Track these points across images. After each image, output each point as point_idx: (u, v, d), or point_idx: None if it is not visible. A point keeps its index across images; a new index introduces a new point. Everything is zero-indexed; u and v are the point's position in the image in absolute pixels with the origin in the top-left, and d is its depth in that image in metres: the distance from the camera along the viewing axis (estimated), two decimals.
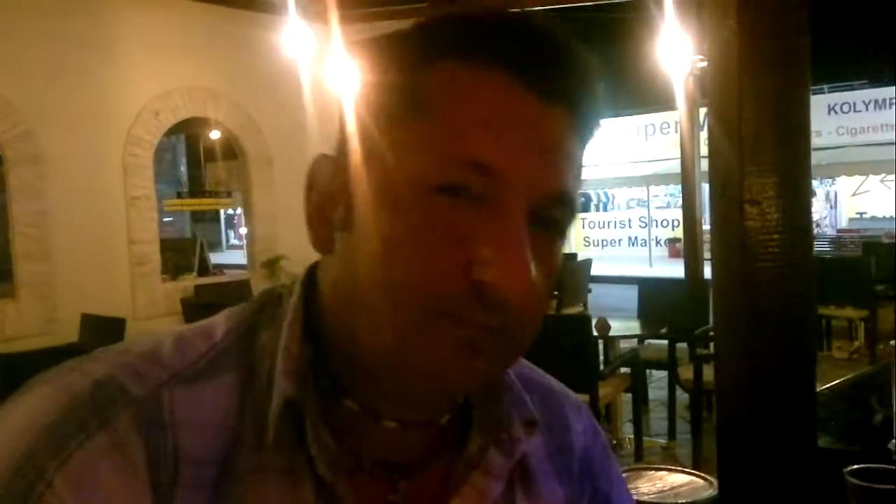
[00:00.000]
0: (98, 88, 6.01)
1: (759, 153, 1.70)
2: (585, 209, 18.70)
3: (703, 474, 1.99)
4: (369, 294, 0.51)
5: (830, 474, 1.20)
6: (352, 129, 0.54)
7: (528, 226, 0.50)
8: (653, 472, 2.07)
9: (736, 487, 1.71)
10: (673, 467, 2.09)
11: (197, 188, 7.52)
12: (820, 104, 15.57)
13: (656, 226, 17.66)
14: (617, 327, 4.84)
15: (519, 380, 0.64)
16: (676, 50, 5.79)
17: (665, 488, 1.94)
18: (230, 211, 14.98)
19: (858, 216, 15.54)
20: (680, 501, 1.82)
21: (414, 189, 0.49)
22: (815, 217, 14.59)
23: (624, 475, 1.92)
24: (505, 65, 0.50)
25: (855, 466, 1.12)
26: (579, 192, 0.53)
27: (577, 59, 0.52)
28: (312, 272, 0.60)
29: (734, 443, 1.74)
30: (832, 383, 2.26)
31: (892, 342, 1.65)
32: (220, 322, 0.59)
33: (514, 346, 0.54)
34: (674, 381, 4.72)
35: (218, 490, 0.52)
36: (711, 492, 1.92)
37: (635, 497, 2.00)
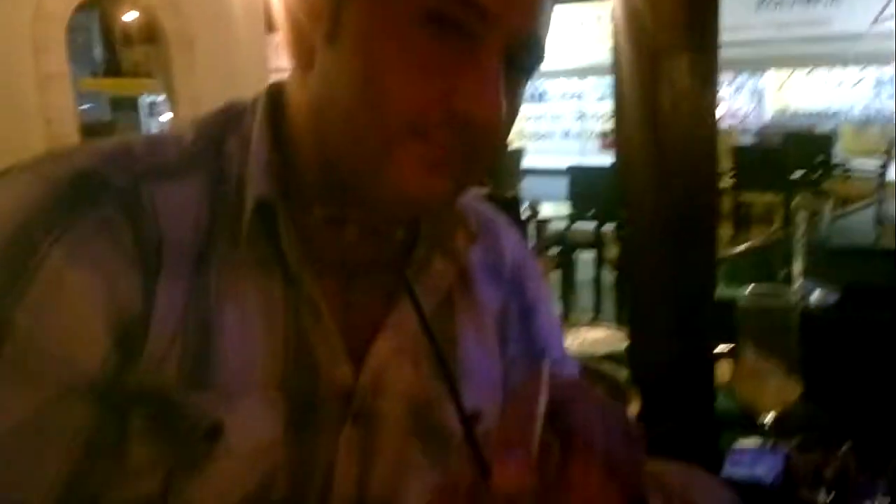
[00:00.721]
0: None
1: (666, 33, 1.72)
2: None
3: (621, 329, 2.10)
4: (350, 109, 0.55)
5: (727, 320, 1.25)
6: None
7: (501, 64, 0.54)
8: (575, 328, 2.17)
9: (645, 337, 1.82)
10: (594, 323, 2.19)
11: (114, 71, 7.14)
12: None
13: (590, 119, 17.75)
14: (547, 211, 4.94)
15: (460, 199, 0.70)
16: None
17: (585, 342, 2.04)
18: (150, 99, 14.39)
19: (783, 110, 15.93)
20: (598, 351, 1.92)
21: (402, 15, 0.52)
22: (740, 111, 14.88)
23: None
24: None
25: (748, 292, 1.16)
26: (545, 42, 0.58)
27: None
28: (273, 89, 0.64)
29: (643, 296, 1.84)
30: (740, 248, 2.37)
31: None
32: (187, 129, 0.63)
33: (474, 171, 0.60)
34: (600, 260, 4.88)
35: (197, 277, 0.57)
36: (627, 343, 2.02)
37: None
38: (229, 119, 0.64)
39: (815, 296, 1.73)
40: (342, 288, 0.65)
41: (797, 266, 1.83)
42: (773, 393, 1.06)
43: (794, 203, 1.82)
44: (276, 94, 0.64)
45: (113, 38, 8.00)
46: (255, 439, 0.58)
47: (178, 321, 0.56)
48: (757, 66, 15.22)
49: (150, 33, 7.30)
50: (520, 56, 0.56)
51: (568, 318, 4.62)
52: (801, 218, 1.86)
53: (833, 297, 1.73)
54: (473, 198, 0.77)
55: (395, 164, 0.55)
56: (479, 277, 0.75)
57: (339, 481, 0.63)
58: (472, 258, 0.73)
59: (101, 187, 0.55)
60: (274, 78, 0.67)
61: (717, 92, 1.84)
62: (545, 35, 0.57)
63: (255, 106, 0.64)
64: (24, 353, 0.51)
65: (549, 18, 0.58)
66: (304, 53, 0.58)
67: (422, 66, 0.53)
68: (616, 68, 2.11)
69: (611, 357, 1.87)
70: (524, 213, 4.53)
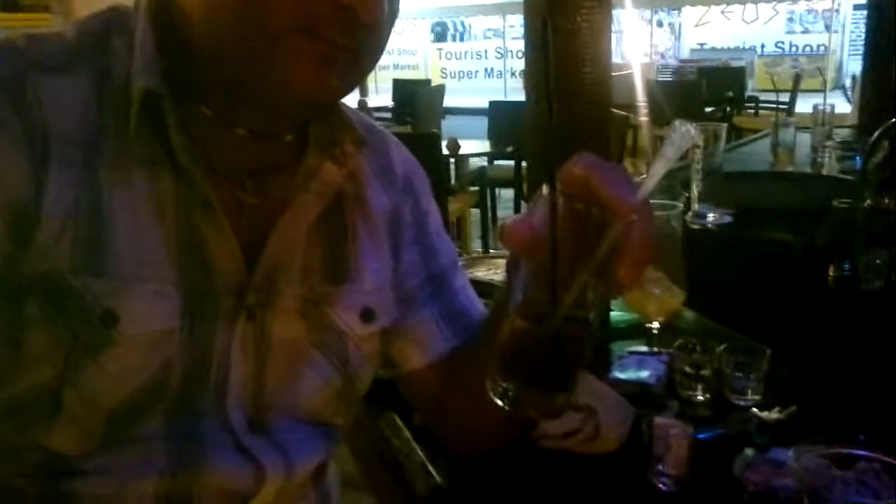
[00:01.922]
0: None
1: None
2: (441, 39, 18.36)
3: None
4: (236, 5, 0.56)
5: None
6: None
7: None
8: (490, 259, 2.21)
9: None
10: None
11: (7, 3, 6.72)
12: None
13: (512, 57, 17.68)
14: (467, 147, 4.95)
15: (348, 114, 0.73)
16: None
17: (499, 270, 2.08)
18: None
19: (700, 47, 16.21)
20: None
21: None
22: (659, 48, 15.04)
23: (463, 263, 2.03)
24: None
25: None
26: None
27: None
28: None
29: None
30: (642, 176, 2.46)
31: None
32: (69, 28, 0.63)
33: (361, 69, 0.62)
34: (520, 197, 4.94)
35: (87, 168, 0.58)
36: None
37: (471, 278, 2.13)
38: (113, 18, 0.64)
39: (710, 217, 1.81)
40: (234, 189, 0.66)
41: (694, 190, 1.91)
42: (659, 303, 1.13)
43: (691, 125, 1.89)
44: None
45: None
46: (150, 328, 0.60)
47: (69, 207, 0.57)
48: (675, 2, 15.40)
49: None
50: None
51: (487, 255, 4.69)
52: (698, 142, 1.93)
53: (727, 219, 1.82)
54: (357, 111, 0.79)
55: (282, 60, 0.57)
56: (370, 184, 0.77)
57: (235, 373, 0.66)
58: (363, 165, 0.76)
59: None
60: None
61: (611, 27, 1.89)
62: None
63: (138, 4, 0.64)
64: None
65: None
66: None
67: None
68: (525, 3, 2.12)
69: None
70: (444, 149, 4.53)
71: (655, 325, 1.18)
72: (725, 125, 1.82)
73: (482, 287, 1.51)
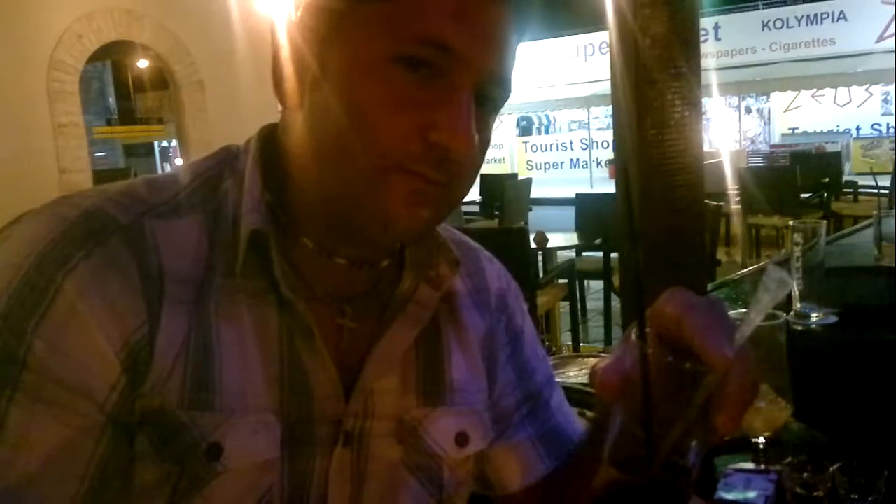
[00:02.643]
0: (14, 12, 5.72)
1: (653, 61, 1.76)
2: (527, 132, 18.72)
3: None
4: (335, 146, 0.60)
5: None
6: (318, 8, 0.61)
7: (472, 100, 0.59)
8: (581, 359, 2.18)
9: None
10: (602, 353, 2.19)
11: (127, 118, 7.31)
12: (754, 21, 15.74)
13: (597, 147, 17.82)
14: (555, 240, 4.96)
15: (442, 233, 0.75)
16: None
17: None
18: (164, 144, 14.59)
19: (791, 131, 15.93)
20: None
21: (380, 58, 0.58)
22: (749, 133, 14.86)
23: (553, 362, 2.01)
24: None
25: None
26: (511, 78, 0.63)
27: None
28: (265, 131, 0.69)
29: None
30: (742, 272, 2.39)
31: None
32: (183, 171, 0.69)
33: (452, 200, 0.64)
34: (609, 289, 4.88)
35: (198, 306, 0.61)
36: None
37: (563, 381, 2.10)
38: (224, 161, 0.69)
39: (814, 317, 1.74)
40: (334, 315, 0.68)
41: (795, 289, 1.84)
42: (764, 417, 1.08)
43: (791, 223, 1.84)
44: (268, 136, 0.69)
45: (125, 86, 8.12)
46: (253, 458, 0.62)
47: (180, 346, 0.60)
48: (763, 87, 15.24)
49: (160, 79, 7.43)
50: (489, 92, 0.61)
51: (579, 349, 4.61)
52: (798, 239, 1.88)
53: (831, 318, 1.74)
54: (452, 230, 0.81)
55: (376, 196, 0.60)
56: (464, 304, 0.78)
57: (332, 499, 0.67)
58: (457, 286, 0.77)
59: (108, 224, 0.59)
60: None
61: (702, 118, 1.89)
62: (510, 72, 0.63)
63: (248, 147, 0.69)
64: (43, 382, 0.54)
65: (514, 57, 0.63)
66: (293, 96, 0.63)
67: (400, 103, 0.58)
68: (613, 97, 2.15)
69: None
70: (532, 243, 4.55)
71: (762, 439, 1.12)
72: (825, 222, 1.77)
73: (576, 395, 1.49)
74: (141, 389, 0.58)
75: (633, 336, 0.50)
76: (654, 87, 1.76)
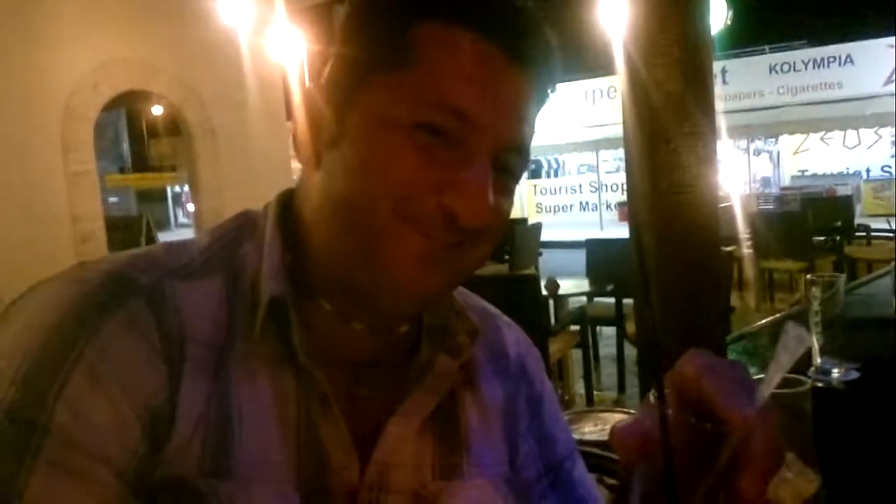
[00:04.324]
0: (30, 60, 5.83)
1: (668, 111, 1.75)
2: (536, 175, 18.81)
3: None
4: (348, 203, 0.60)
5: None
6: (340, 71, 0.63)
7: (489, 167, 0.59)
8: (597, 413, 2.14)
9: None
10: (617, 409, 2.15)
11: (140, 164, 7.42)
12: (761, 65, 15.87)
13: (606, 190, 17.88)
14: (566, 287, 4.93)
15: (459, 299, 0.74)
16: (615, 10, 5.82)
17: (609, 428, 2.01)
18: (177, 189, 14.74)
19: (800, 174, 15.95)
20: None
21: (399, 122, 0.58)
22: (758, 176, 14.86)
23: (568, 418, 1.97)
24: (484, 29, 0.59)
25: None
26: (531, 145, 0.63)
27: (541, 29, 0.62)
28: (283, 196, 0.69)
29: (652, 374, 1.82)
30: (757, 324, 2.35)
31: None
32: (203, 236, 0.68)
33: (466, 266, 0.63)
34: (622, 335, 4.83)
35: (218, 372, 0.60)
36: None
37: (579, 437, 2.06)
38: (243, 224, 0.69)
39: (835, 373, 1.70)
40: (350, 382, 0.67)
41: (815, 343, 1.80)
42: (793, 487, 1.04)
43: (807, 277, 1.81)
44: (286, 199, 0.69)
45: (139, 133, 8.25)
46: None
47: (200, 412, 0.59)
48: (771, 130, 15.30)
49: (174, 127, 7.54)
50: (507, 160, 0.61)
51: (591, 397, 4.54)
52: (815, 292, 1.85)
53: (853, 374, 1.70)
54: (469, 294, 0.80)
55: (388, 257, 0.59)
56: (483, 373, 0.76)
57: None
58: (476, 354, 0.75)
59: (128, 287, 0.59)
60: (296, 166, 0.71)
61: (717, 168, 1.88)
62: (529, 140, 0.63)
63: (266, 211, 0.69)
64: (64, 449, 0.53)
65: (534, 126, 0.64)
66: (312, 156, 0.63)
67: (416, 162, 0.58)
68: (625, 144, 2.15)
69: None
70: (543, 289, 4.52)
71: None
72: (843, 276, 1.74)
73: (593, 458, 1.45)
74: (161, 455, 0.57)
75: (653, 397, 0.49)
76: (669, 146, 1.75)
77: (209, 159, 7.15)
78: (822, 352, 1.80)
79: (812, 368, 1.68)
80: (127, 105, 7.48)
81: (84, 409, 0.54)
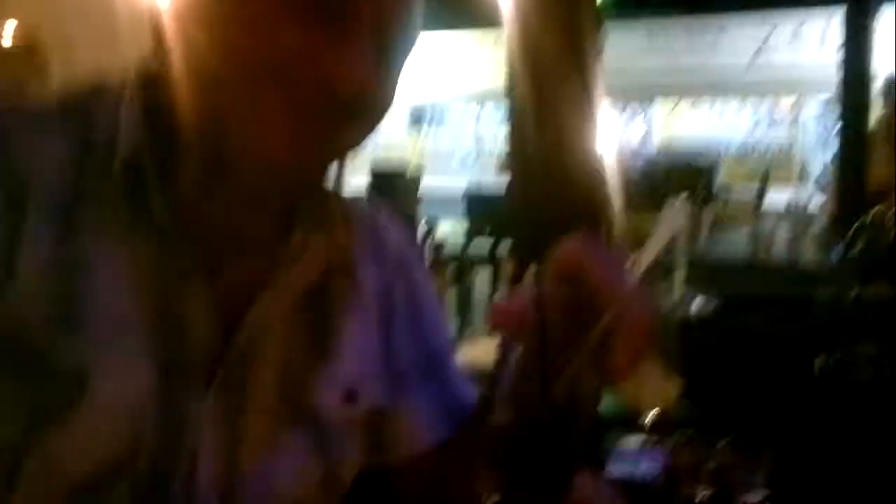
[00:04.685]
0: None
1: (552, 61, 1.77)
2: (418, 123, 18.77)
3: None
4: (219, 53, 0.55)
5: None
6: None
7: (369, 39, 0.56)
8: (470, 340, 2.17)
9: None
10: (490, 336, 2.19)
11: None
12: (639, 31, 16.39)
13: (488, 142, 18.06)
14: (444, 230, 4.98)
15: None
16: None
17: (482, 352, 2.04)
18: None
19: (669, 142, 16.69)
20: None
21: None
22: (630, 142, 15.44)
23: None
24: None
25: None
26: (416, 22, 0.60)
27: None
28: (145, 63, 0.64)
29: None
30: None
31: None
32: (51, 91, 0.65)
33: (342, 140, 0.60)
34: (496, 278, 4.96)
35: (66, 225, 0.57)
36: None
37: None
38: (96, 86, 0.64)
39: (696, 304, 1.78)
40: (219, 261, 0.64)
41: (679, 277, 1.89)
42: (654, 392, 1.08)
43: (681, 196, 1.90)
44: (146, 68, 0.64)
45: None
46: (121, 395, 0.57)
47: (44, 265, 0.56)
48: (645, 95, 15.87)
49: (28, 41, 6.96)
50: (388, 33, 0.58)
51: (464, 334, 4.64)
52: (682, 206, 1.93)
53: (712, 306, 1.80)
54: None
55: (259, 113, 0.56)
56: (360, 260, 0.74)
57: (206, 452, 0.62)
58: (353, 240, 0.73)
59: None
60: None
61: (598, 117, 1.92)
62: (412, 17, 0.60)
63: (126, 74, 0.64)
64: None
65: (417, 4, 0.60)
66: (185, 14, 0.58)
67: (292, 22, 0.54)
68: (509, 94, 2.16)
69: None
70: (421, 231, 4.54)
71: (650, 416, 1.13)
72: (711, 209, 1.83)
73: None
74: (2, 302, 0.54)
75: (533, 274, 0.49)
76: (552, 70, 1.77)
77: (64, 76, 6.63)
78: (685, 285, 1.89)
79: (674, 299, 1.76)
80: None
81: None
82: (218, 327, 0.62)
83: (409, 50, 0.62)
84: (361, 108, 0.59)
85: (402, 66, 0.62)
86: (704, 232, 1.92)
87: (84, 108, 0.62)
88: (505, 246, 4.96)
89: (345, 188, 0.74)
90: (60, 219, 0.58)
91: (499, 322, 0.50)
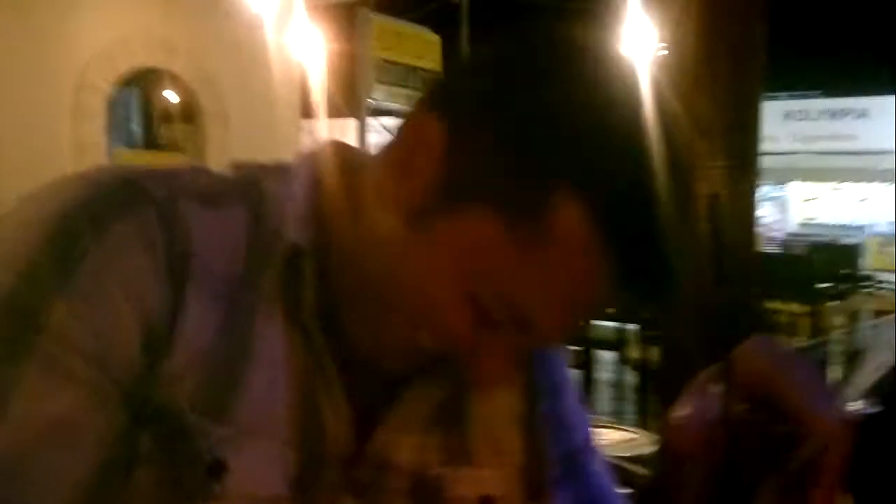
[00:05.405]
0: (50, 28, 5.78)
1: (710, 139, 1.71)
2: None
3: (645, 431, 1.99)
4: (392, 289, 0.57)
5: None
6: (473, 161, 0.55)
7: None
8: (595, 429, 2.07)
9: None
10: (616, 425, 2.09)
11: (151, 145, 7.46)
12: (776, 110, 15.92)
13: None
14: None
15: None
16: (639, 38, 5.80)
17: (607, 443, 1.94)
18: None
19: (808, 221, 15.96)
20: (621, 453, 1.82)
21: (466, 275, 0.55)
22: (765, 220, 14.93)
23: None
24: (618, 256, 0.52)
25: None
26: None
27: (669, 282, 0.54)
28: (333, 155, 0.64)
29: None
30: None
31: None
32: (229, 169, 0.66)
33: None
34: (623, 362, 4.78)
35: (231, 307, 0.57)
36: (653, 448, 1.92)
37: None
38: (273, 169, 0.65)
39: (854, 406, 1.62)
40: (357, 364, 0.62)
41: (834, 375, 1.73)
42: None
43: (827, 312, 1.76)
44: (334, 162, 0.64)
45: (151, 114, 8.27)
46: (257, 490, 0.56)
47: (206, 342, 0.56)
48: (782, 177, 15.32)
49: (187, 112, 7.54)
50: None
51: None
52: (836, 326, 1.79)
53: (876, 408, 1.63)
54: None
55: (385, 330, 0.59)
56: None
57: None
58: None
59: (142, 195, 0.56)
60: None
61: (756, 200, 1.83)
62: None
63: (308, 161, 0.64)
64: (59, 346, 0.51)
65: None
66: (406, 201, 0.56)
67: (466, 316, 0.55)
68: None
69: (635, 460, 1.76)
70: None
71: None
72: (861, 310, 1.69)
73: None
74: (156, 378, 0.53)
75: (712, 385, 0.45)
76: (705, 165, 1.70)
77: (219, 146, 7.10)
78: (842, 384, 1.73)
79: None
80: (142, 85, 7.51)
81: (85, 311, 0.51)
82: (351, 422, 0.61)
83: None
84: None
85: None
86: (860, 324, 1.77)
87: (258, 183, 0.63)
88: (631, 328, 4.79)
89: None
90: (223, 297, 0.57)
91: (677, 440, 0.47)
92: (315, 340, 0.59)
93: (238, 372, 0.57)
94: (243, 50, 6.86)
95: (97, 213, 0.54)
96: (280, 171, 0.65)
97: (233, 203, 0.61)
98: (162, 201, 0.56)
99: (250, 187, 0.62)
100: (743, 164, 1.75)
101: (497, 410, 0.70)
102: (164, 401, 0.54)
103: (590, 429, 0.80)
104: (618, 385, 4.95)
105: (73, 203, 0.54)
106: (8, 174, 5.59)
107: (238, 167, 0.66)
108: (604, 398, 5.24)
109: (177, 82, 7.13)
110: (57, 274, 0.51)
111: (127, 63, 6.32)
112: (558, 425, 0.75)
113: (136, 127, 8.41)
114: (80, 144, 6.01)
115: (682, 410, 0.47)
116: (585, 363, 4.67)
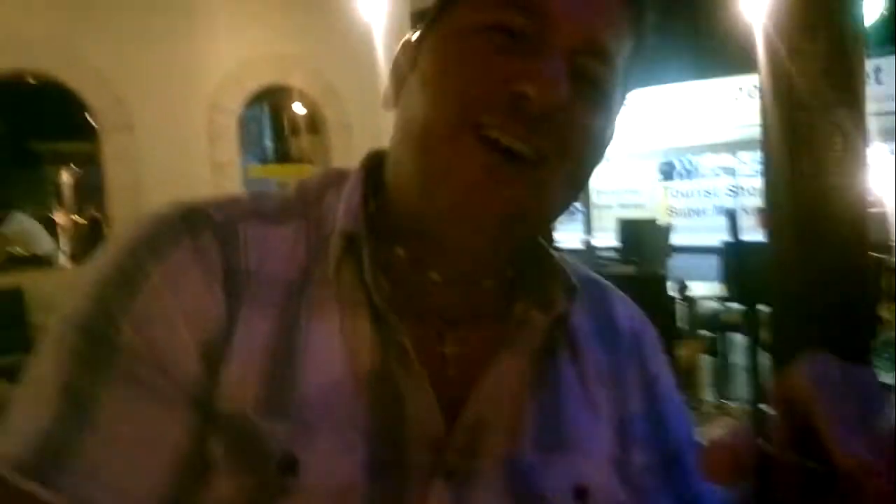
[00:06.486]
0: (183, 54, 6.19)
1: (812, 96, 1.63)
2: (668, 177, 18.19)
3: None
4: (419, 116, 0.58)
5: None
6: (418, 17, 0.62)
7: (568, 70, 0.56)
8: (727, 416, 2.03)
9: None
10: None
11: (282, 159, 7.79)
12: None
13: (745, 194, 17.01)
14: (697, 290, 4.74)
15: (565, 268, 0.68)
16: (758, 4, 5.51)
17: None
18: None
19: None
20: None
21: (469, 27, 0.57)
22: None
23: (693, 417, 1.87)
24: None
25: None
26: (618, 54, 0.59)
27: None
28: (374, 151, 0.69)
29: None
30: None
31: None
32: (290, 187, 0.69)
33: (542, 181, 0.58)
34: (756, 344, 4.58)
35: (285, 310, 0.60)
36: None
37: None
38: (332, 178, 0.68)
39: None
40: (437, 339, 0.64)
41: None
42: None
43: None
44: (377, 153, 0.69)
45: (282, 128, 8.65)
46: (332, 480, 0.56)
47: (261, 348, 0.58)
48: None
49: (313, 124, 7.82)
50: (586, 64, 0.57)
51: (721, 407, 4.34)
52: None
53: None
54: (581, 266, 0.76)
55: (454, 171, 0.57)
56: (587, 343, 0.70)
57: None
58: (580, 322, 0.70)
59: (202, 221, 0.60)
60: None
61: (866, 169, 1.73)
62: (616, 49, 0.58)
63: (363, 162, 0.69)
64: (132, 364, 0.55)
65: (618, 27, 0.59)
66: (392, 96, 0.64)
67: (485, 66, 0.56)
68: (764, 140, 2.00)
69: None
70: (671, 291, 4.36)
71: None
72: None
73: None
74: (217, 389, 0.56)
75: (748, 421, 0.42)
76: (811, 116, 1.62)
77: (343, 155, 7.36)
78: None
79: None
80: (270, 101, 7.85)
81: (149, 332, 0.55)
82: (437, 407, 0.60)
83: (613, 83, 0.60)
84: (562, 150, 0.58)
85: (603, 105, 0.61)
86: None
87: (317, 193, 0.67)
88: (764, 312, 4.56)
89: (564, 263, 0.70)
90: (280, 301, 0.60)
91: (707, 468, 0.42)
92: (391, 326, 0.59)
93: (296, 368, 0.58)
94: (360, 60, 7.08)
95: (159, 244, 0.58)
96: (340, 177, 0.67)
97: (290, 218, 0.64)
98: (220, 224, 0.61)
99: (309, 200, 0.66)
100: (851, 118, 1.65)
101: (588, 395, 0.68)
102: (228, 408, 0.56)
103: (691, 428, 0.76)
104: (753, 370, 4.73)
105: (140, 235, 0.59)
106: (155, 194, 6.08)
107: (301, 184, 0.69)
108: (738, 383, 5.03)
109: (302, 96, 7.44)
110: (125, 301, 0.56)
111: (254, 83, 6.66)
112: (655, 423, 0.72)
113: (269, 142, 8.81)
114: (216, 164, 6.41)
115: (719, 433, 0.43)
116: (717, 347, 4.51)
